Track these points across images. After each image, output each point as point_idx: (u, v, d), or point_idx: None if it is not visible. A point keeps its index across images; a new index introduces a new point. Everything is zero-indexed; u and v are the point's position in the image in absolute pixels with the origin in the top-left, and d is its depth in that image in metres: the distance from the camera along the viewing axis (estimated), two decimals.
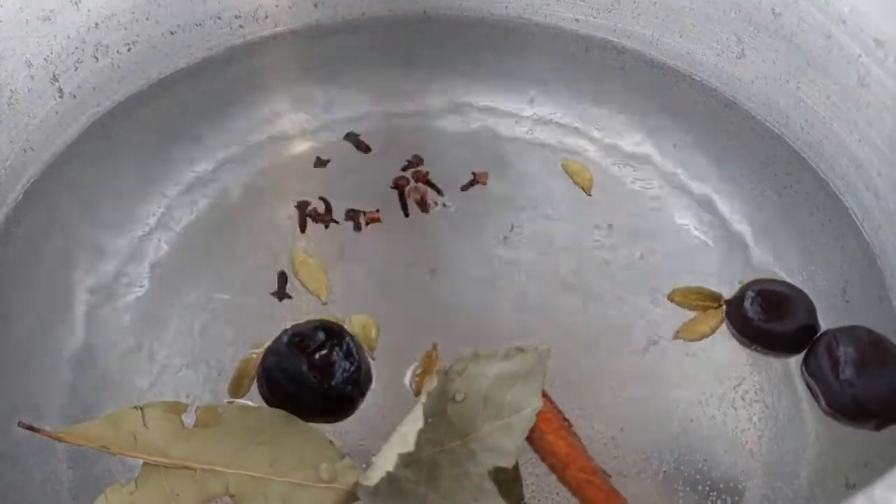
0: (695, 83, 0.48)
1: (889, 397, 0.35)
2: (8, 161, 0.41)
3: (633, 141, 0.46)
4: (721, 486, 0.36)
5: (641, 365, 0.39)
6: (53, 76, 0.43)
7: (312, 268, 0.41)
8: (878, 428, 0.36)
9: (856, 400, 0.36)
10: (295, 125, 0.47)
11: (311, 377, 0.35)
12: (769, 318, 0.38)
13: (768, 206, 0.44)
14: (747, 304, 0.39)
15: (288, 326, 0.37)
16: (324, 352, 0.35)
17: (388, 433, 0.34)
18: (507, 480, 0.32)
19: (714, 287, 0.41)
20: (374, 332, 0.38)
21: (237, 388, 0.36)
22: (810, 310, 0.39)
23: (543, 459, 0.34)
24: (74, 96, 0.44)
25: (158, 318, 0.39)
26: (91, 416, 0.36)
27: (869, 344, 0.36)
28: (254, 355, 0.37)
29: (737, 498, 0.36)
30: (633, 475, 0.36)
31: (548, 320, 0.40)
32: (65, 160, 0.44)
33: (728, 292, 0.41)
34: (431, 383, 0.33)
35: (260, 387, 0.36)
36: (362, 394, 0.36)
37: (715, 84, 0.48)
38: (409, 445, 0.29)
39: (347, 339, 0.36)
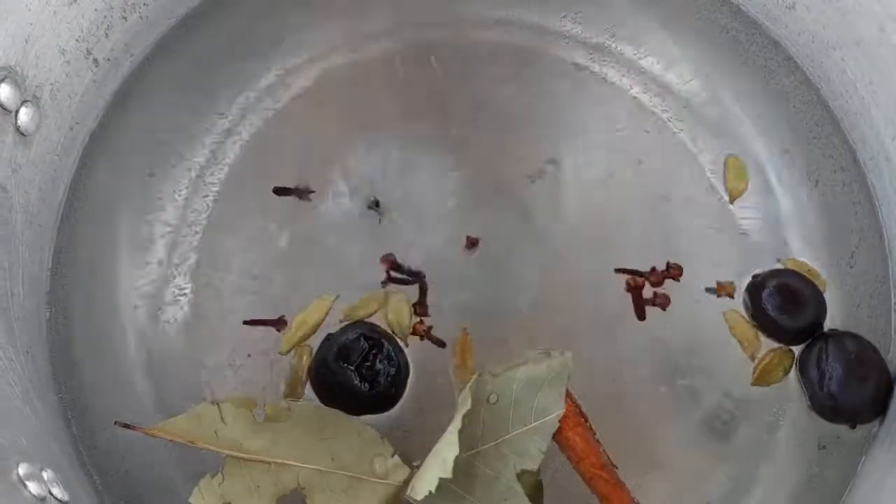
0: (741, 14, 0.47)
1: (864, 408, 0.41)
2: (59, 145, 0.42)
3: (666, 65, 0.46)
4: (713, 429, 0.42)
5: (649, 308, 0.43)
6: (87, 51, 0.42)
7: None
8: (851, 427, 0.41)
9: (835, 409, 0.41)
10: (329, 41, 0.46)
11: (362, 388, 0.40)
12: (782, 313, 0.42)
13: (795, 159, 0.45)
14: (765, 295, 0.42)
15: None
16: (368, 363, 0.40)
17: (423, 418, 0.40)
18: (530, 485, 0.36)
19: (729, 242, 0.44)
20: (407, 319, 0.41)
21: (293, 391, 0.41)
22: (819, 310, 0.42)
23: (562, 451, 0.39)
24: (109, 59, 0.44)
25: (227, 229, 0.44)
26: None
27: (855, 361, 0.40)
28: (304, 357, 0.42)
29: (724, 439, 0.42)
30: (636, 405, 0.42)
31: (565, 260, 0.44)
32: (107, 119, 0.45)
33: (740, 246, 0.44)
34: (468, 390, 0.35)
35: (315, 390, 0.41)
36: (404, 387, 0.41)
37: (762, 20, 0.46)
38: (447, 472, 0.34)
39: (386, 343, 0.40)
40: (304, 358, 0.41)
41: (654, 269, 0.43)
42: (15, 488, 0.33)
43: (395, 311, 0.42)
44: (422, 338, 0.42)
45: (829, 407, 0.41)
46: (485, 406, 0.37)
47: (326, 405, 0.39)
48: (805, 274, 0.43)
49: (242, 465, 0.36)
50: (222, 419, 0.36)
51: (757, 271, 0.43)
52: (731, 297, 0.43)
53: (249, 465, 0.36)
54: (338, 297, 0.42)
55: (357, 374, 0.40)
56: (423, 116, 0.46)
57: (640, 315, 0.43)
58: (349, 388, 0.39)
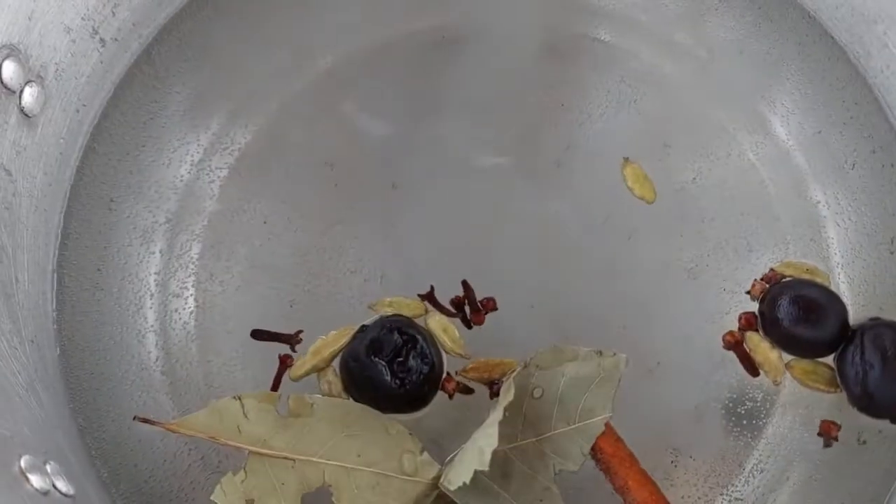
0: None
1: None
2: (65, 128, 0.41)
3: (694, 41, 0.44)
4: (744, 421, 0.40)
5: (679, 297, 0.42)
6: (93, 30, 0.41)
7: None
8: (893, 422, 0.39)
9: (874, 407, 0.39)
10: (348, 21, 0.45)
11: (391, 385, 0.37)
12: (799, 326, 0.39)
13: (830, 140, 0.43)
14: (778, 310, 0.39)
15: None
16: (400, 358, 0.38)
17: (456, 419, 0.37)
18: None
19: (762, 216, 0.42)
20: (456, 334, 0.40)
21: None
22: (840, 320, 0.39)
23: None
24: (116, 39, 0.42)
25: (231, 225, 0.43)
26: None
27: (893, 355, 0.38)
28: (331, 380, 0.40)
29: (755, 432, 0.40)
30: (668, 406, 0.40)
31: (587, 249, 0.42)
32: (115, 100, 0.44)
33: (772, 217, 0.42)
34: (511, 381, 0.34)
35: (344, 384, 0.39)
36: (437, 387, 0.39)
37: None
38: (484, 464, 0.32)
39: (420, 339, 0.38)
40: (332, 381, 0.39)
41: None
42: (16, 481, 0.31)
43: (441, 329, 0.40)
44: (451, 396, 0.39)
45: (867, 405, 0.38)
46: (528, 399, 0.36)
47: (356, 400, 0.38)
48: (805, 275, 0.41)
49: (266, 461, 0.35)
50: (245, 414, 0.35)
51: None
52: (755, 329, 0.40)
53: (273, 462, 0.35)
54: (362, 328, 0.39)
55: (388, 369, 0.38)
56: (441, 105, 0.44)
57: (754, 372, 0.40)
58: (378, 384, 0.37)
